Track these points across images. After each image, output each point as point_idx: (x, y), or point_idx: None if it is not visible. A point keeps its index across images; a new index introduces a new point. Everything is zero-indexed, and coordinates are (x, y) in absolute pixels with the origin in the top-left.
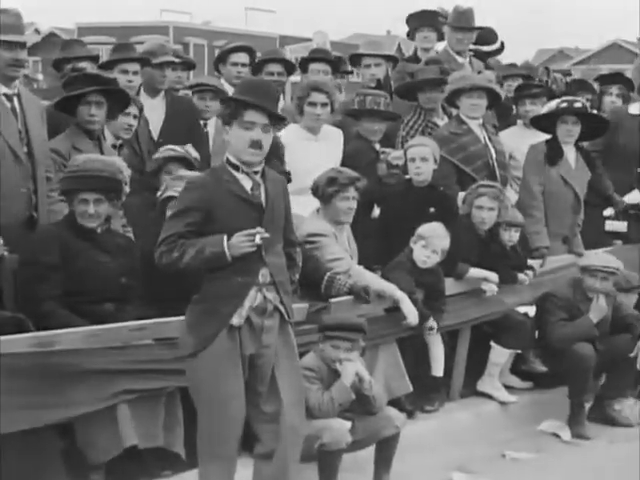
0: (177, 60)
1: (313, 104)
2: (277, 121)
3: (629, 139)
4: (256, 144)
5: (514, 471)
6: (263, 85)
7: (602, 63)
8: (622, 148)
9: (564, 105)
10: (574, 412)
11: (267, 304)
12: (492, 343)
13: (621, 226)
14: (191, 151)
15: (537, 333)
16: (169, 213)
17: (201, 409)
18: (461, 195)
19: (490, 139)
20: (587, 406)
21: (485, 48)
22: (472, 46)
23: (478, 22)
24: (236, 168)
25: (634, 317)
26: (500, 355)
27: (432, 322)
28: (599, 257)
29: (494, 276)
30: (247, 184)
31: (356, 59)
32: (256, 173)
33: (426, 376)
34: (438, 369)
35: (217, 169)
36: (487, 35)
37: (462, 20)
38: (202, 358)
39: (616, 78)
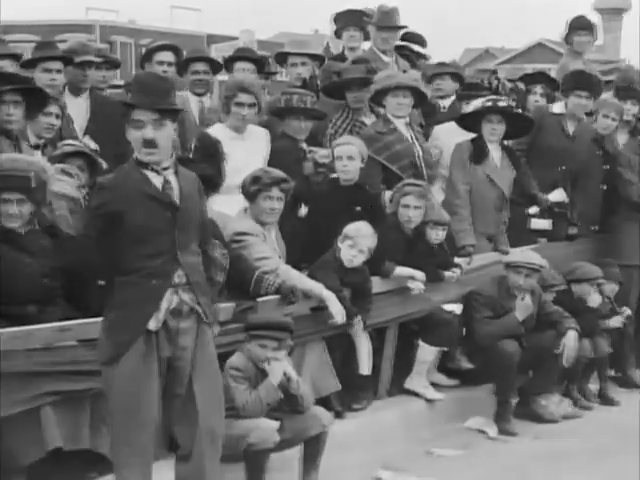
0: (98, 59)
1: (240, 104)
2: (170, 113)
3: (552, 138)
4: (149, 143)
5: (440, 468)
6: (148, 79)
7: (527, 62)
8: (545, 147)
9: (489, 104)
10: (500, 409)
11: (183, 306)
12: (419, 341)
13: (545, 224)
14: (89, 143)
15: (463, 331)
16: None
17: (116, 415)
18: (387, 194)
19: (416, 138)
20: (513, 402)
21: (415, 47)
22: (402, 42)
23: (403, 21)
24: (144, 166)
25: (559, 314)
26: (427, 353)
27: (359, 320)
28: (523, 254)
29: (420, 274)
30: (158, 182)
31: (282, 58)
32: (165, 169)
33: (353, 375)
34: (365, 368)
35: (126, 168)
36: (417, 37)
37: (386, 19)
38: (119, 364)
39: (540, 77)
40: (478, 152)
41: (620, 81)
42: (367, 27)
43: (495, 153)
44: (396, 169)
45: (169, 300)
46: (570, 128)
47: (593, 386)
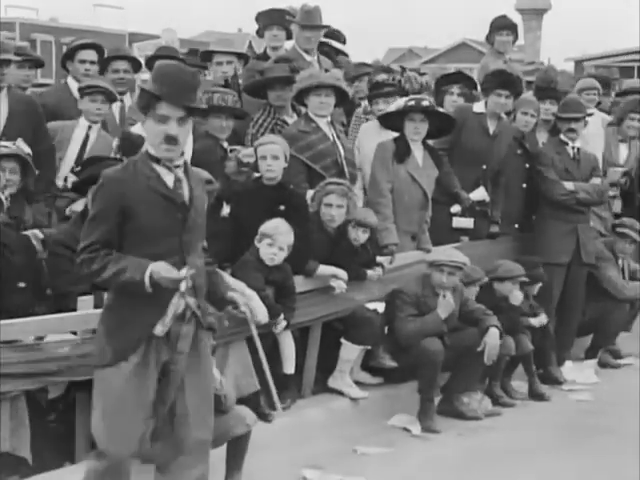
0: (17, 58)
1: None
2: (195, 112)
3: (473, 137)
4: (171, 139)
5: (365, 466)
6: (179, 74)
7: (450, 62)
8: (467, 146)
9: (412, 103)
10: (423, 406)
11: (187, 310)
12: (342, 340)
13: (468, 222)
14: (23, 147)
15: (387, 329)
16: (90, 213)
17: (105, 418)
18: (310, 193)
19: (338, 137)
20: (436, 400)
21: (335, 44)
22: (324, 39)
23: (325, 21)
24: (156, 161)
25: (481, 312)
26: (350, 351)
27: (282, 319)
28: (446, 253)
29: (343, 273)
30: (169, 179)
31: (207, 56)
32: (177, 167)
33: (277, 374)
34: (289, 367)
35: (136, 162)
36: (336, 34)
37: (309, 19)
38: (118, 368)
39: (457, 77)
40: (401, 151)
41: (540, 81)
42: (290, 26)
43: (418, 152)
44: (319, 168)
45: (176, 305)
46: (491, 127)
47: (516, 383)
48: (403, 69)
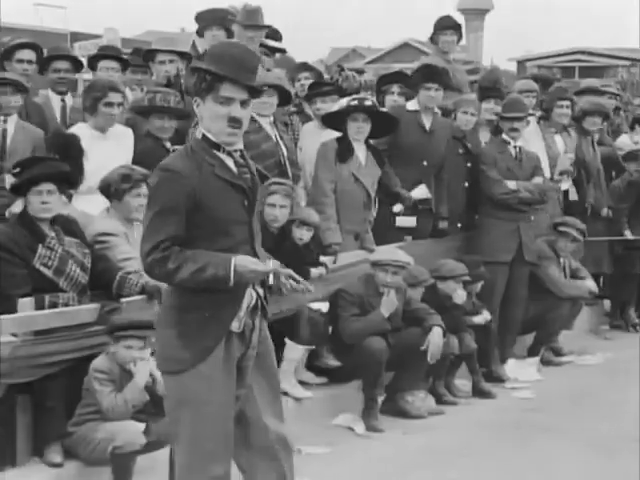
0: None
1: (110, 104)
2: (256, 94)
3: (410, 134)
4: (236, 122)
5: (309, 466)
6: (243, 54)
7: (394, 62)
8: (405, 144)
9: (354, 103)
10: (367, 405)
11: (257, 302)
12: (286, 340)
13: (410, 221)
14: None
15: (330, 329)
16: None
17: (189, 427)
18: None
19: (281, 137)
20: (380, 399)
21: (273, 43)
22: (262, 39)
23: (267, 21)
24: (216, 147)
25: (424, 311)
26: (294, 351)
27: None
28: (389, 252)
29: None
30: (231, 165)
31: (149, 56)
32: (235, 152)
33: None
34: None
35: (192, 149)
36: (272, 33)
37: (252, 18)
38: (197, 371)
39: (397, 77)
40: (343, 151)
41: (485, 81)
42: (231, 26)
43: (360, 152)
44: (262, 168)
45: (249, 297)
46: (426, 123)
47: (460, 381)
48: (341, 68)
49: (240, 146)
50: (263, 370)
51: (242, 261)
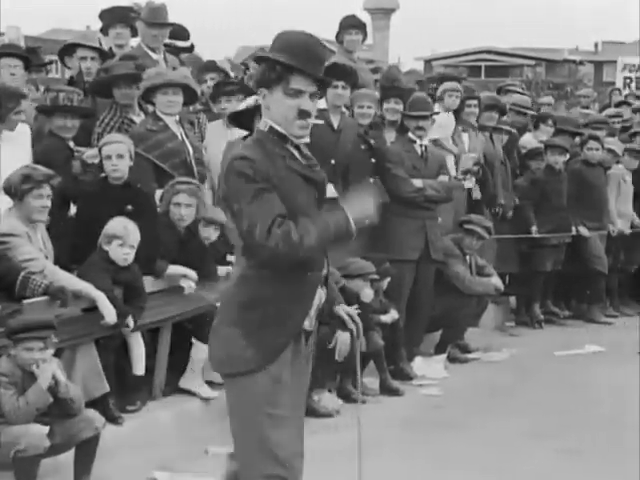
0: None
1: (19, 112)
2: (325, 87)
3: (319, 133)
4: (306, 115)
5: (217, 466)
6: (314, 45)
7: None
8: (313, 142)
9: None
10: None
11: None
12: (194, 340)
13: None
14: None
15: None
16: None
17: (258, 430)
18: (159, 192)
19: (187, 136)
20: None
21: (179, 43)
22: (167, 40)
23: (174, 18)
24: (285, 139)
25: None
26: (202, 351)
27: (131, 320)
28: None
29: (193, 273)
30: (300, 158)
31: (68, 50)
32: (303, 145)
33: (127, 376)
34: (139, 368)
35: (261, 141)
36: (179, 32)
37: (156, 16)
38: (267, 372)
39: None
40: None
41: (384, 80)
42: (135, 24)
43: None
44: (167, 167)
45: (320, 295)
46: (335, 122)
47: (368, 379)
48: (246, 67)
49: (307, 140)
50: (305, 376)
51: (350, 207)
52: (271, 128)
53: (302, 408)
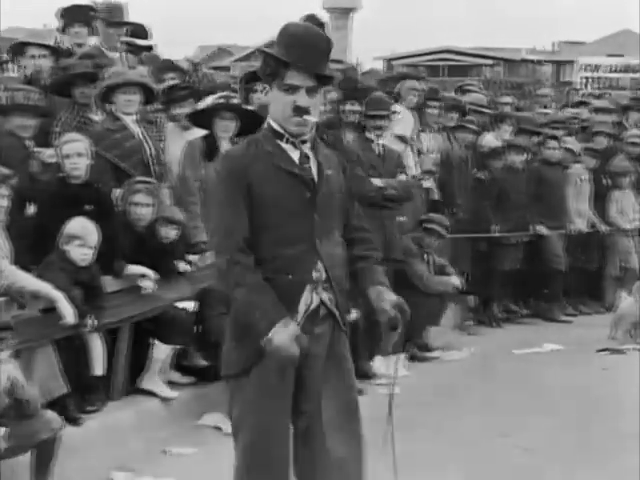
0: None
1: None
2: (326, 81)
3: None
4: (301, 111)
5: (177, 466)
6: (313, 38)
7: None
8: None
9: (221, 101)
10: None
11: (320, 307)
12: (153, 340)
13: None
14: None
15: (197, 328)
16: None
17: (247, 434)
18: (117, 192)
19: (146, 135)
20: None
21: (139, 42)
22: (127, 38)
23: (133, 17)
24: (280, 137)
25: None
26: (161, 351)
27: (90, 320)
28: None
29: (151, 273)
30: (294, 156)
31: (19, 49)
32: (303, 143)
33: (86, 376)
34: (98, 368)
35: (258, 139)
36: (139, 31)
37: (114, 15)
38: (250, 376)
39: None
40: (210, 149)
41: (342, 82)
42: (94, 22)
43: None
44: (126, 167)
45: (307, 300)
46: None
47: None
48: (196, 68)
49: (307, 137)
50: (337, 390)
51: (278, 335)
52: (268, 125)
53: (288, 417)
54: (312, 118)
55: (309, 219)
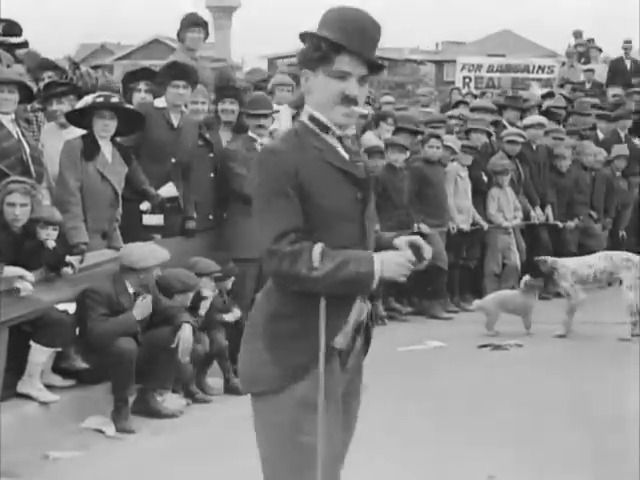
0: None
1: None
2: (376, 70)
3: (158, 131)
4: (349, 100)
5: (58, 471)
6: (370, 24)
7: (144, 58)
8: (153, 141)
9: (100, 100)
10: (118, 406)
11: (365, 318)
12: (32, 343)
13: (158, 220)
14: None
15: (78, 330)
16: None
17: (287, 460)
18: None
19: (23, 134)
20: (131, 399)
21: (12, 39)
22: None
23: (5, 14)
24: (326, 129)
25: (174, 309)
26: (40, 354)
27: None
28: (147, 249)
29: (29, 274)
30: (342, 152)
31: None
32: (347, 138)
33: None
34: None
35: (297, 131)
36: (11, 27)
37: None
38: (291, 392)
39: (144, 74)
40: (89, 149)
41: (218, 81)
42: None
43: (106, 149)
44: (3, 167)
45: (359, 310)
46: (175, 120)
47: (212, 379)
48: (76, 66)
49: (352, 131)
50: (346, 414)
51: (387, 256)
52: (311, 117)
53: (339, 444)
54: (361, 110)
55: (360, 221)
